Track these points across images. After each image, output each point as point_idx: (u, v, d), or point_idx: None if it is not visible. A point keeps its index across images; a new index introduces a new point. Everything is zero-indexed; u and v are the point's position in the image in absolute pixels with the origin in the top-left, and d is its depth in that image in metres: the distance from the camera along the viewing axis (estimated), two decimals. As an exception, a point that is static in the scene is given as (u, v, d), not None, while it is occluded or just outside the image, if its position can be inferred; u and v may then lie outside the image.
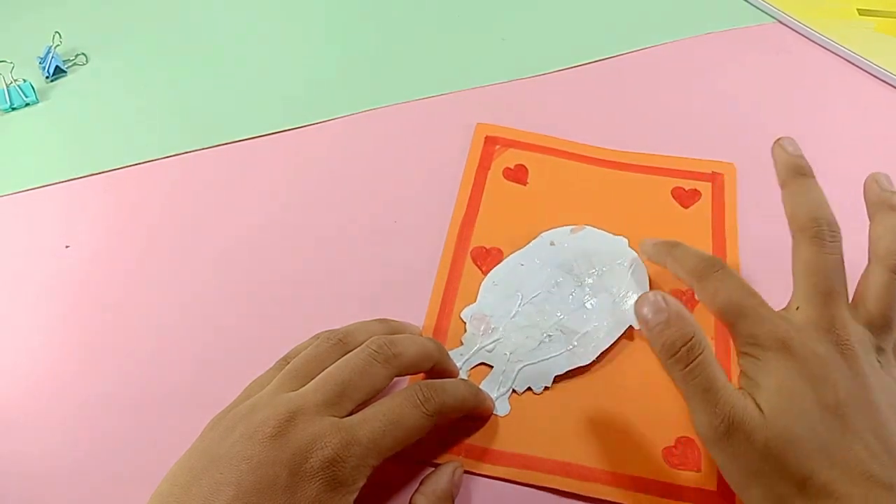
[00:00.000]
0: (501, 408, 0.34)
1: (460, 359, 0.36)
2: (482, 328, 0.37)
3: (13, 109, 0.47)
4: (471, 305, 0.38)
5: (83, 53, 0.51)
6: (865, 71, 0.50)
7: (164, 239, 0.41)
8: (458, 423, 0.33)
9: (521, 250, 0.40)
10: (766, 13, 0.54)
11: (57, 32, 0.51)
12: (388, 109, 0.48)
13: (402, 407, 0.29)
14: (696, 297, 0.32)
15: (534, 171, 0.43)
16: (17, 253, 0.41)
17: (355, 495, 0.27)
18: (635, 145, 0.45)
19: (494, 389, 0.35)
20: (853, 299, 0.30)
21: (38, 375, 0.36)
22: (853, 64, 0.50)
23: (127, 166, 0.44)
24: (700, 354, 0.28)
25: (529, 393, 0.35)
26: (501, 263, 0.39)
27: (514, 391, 0.35)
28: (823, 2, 0.54)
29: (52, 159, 0.45)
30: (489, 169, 0.43)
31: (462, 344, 0.36)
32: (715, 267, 0.31)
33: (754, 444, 0.26)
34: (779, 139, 0.33)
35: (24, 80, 0.48)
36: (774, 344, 0.28)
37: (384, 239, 0.41)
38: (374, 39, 0.53)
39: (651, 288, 0.38)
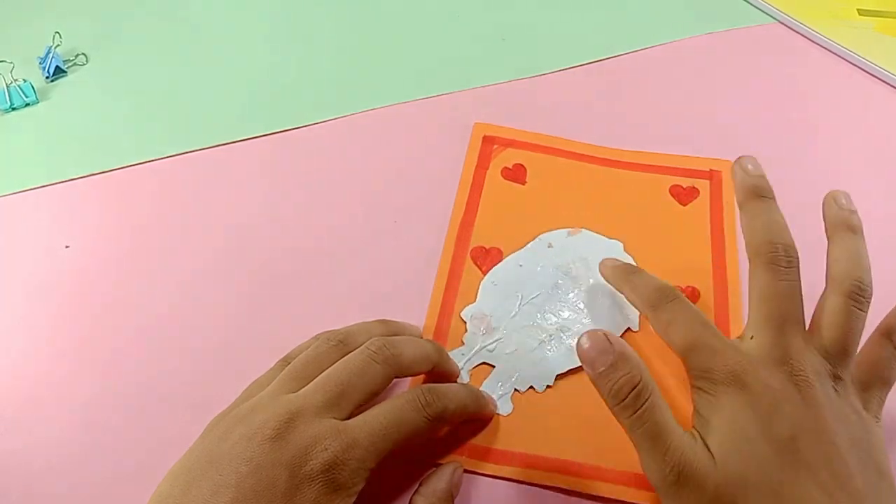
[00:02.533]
0: (504, 407, 0.34)
1: (462, 358, 0.36)
2: (483, 328, 0.37)
3: (13, 109, 0.47)
4: (471, 305, 0.38)
5: (83, 53, 0.51)
6: (865, 71, 0.50)
7: (163, 239, 0.41)
8: (461, 423, 0.33)
9: (520, 251, 0.40)
10: (767, 13, 0.54)
11: (57, 32, 0.51)
12: (388, 109, 0.48)
13: (402, 410, 0.29)
14: (651, 326, 0.32)
15: (532, 170, 0.43)
16: (17, 253, 0.41)
17: (354, 498, 0.27)
18: (634, 145, 0.45)
19: (497, 388, 0.35)
20: (810, 325, 0.29)
21: (38, 375, 0.36)
22: (853, 64, 0.50)
23: (127, 166, 0.44)
24: (647, 399, 0.27)
25: (532, 391, 0.35)
26: (500, 264, 0.39)
27: (516, 390, 0.35)
28: (823, 2, 0.54)
29: (52, 159, 0.45)
30: (488, 168, 0.43)
31: (463, 344, 0.36)
32: (669, 297, 0.31)
33: (705, 492, 0.25)
34: (739, 158, 0.32)
35: (24, 80, 0.48)
36: (726, 378, 0.27)
37: (384, 239, 0.41)
38: (373, 39, 0.53)
39: None
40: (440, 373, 0.33)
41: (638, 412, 0.27)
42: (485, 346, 0.36)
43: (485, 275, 0.39)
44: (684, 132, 0.46)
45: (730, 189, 0.42)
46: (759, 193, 0.31)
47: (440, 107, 0.48)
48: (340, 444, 0.27)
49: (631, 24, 0.53)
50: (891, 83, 0.49)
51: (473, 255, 0.40)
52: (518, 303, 0.38)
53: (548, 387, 0.35)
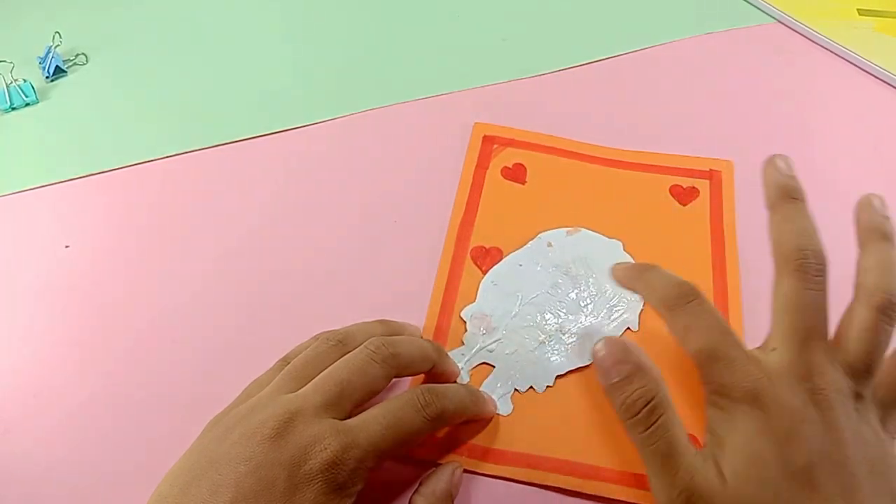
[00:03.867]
0: (504, 407, 0.34)
1: (462, 359, 0.36)
2: (483, 328, 0.37)
3: (13, 109, 0.48)
4: (471, 305, 0.38)
5: (83, 53, 0.51)
6: (865, 71, 0.50)
7: (163, 239, 0.41)
8: (461, 423, 0.33)
9: (520, 251, 0.40)
10: (767, 13, 0.54)
11: (57, 32, 0.51)
12: (388, 109, 0.48)
13: (402, 410, 0.29)
14: (667, 327, 0.30)
15: (532, 169, 0.43)
16: (17, 253, 0.41)
17: (354, 498, 0.27)
18: (634, 145, 0.45)
19: (497, 389, 0.35)
20: (835, 337, 0.28)
21: (38, 375, 0.36)
22: (853, 64, 0.50)
23: (127, 166, 0.44)
24: (661, 416, 0.26)
25: (532, 391, 0.35)
26: (500, 263, 0.39)
27: (516, 390, 0.35)
28: (823, 2, 0.54)
29: (52, 159, 0.45)
30: (487, 168, 0.43)
31: (463, 344, 0.36)
32: (688, 297, 0.29)
33: None
34: (772, 156, 0.30)
35: (24, 80, 0.48)
36: (744, 396, 0.26)
37: (384, 239, 0.41)
38: (373, 39, 0.53)
39: None
40: (440, 373, 0.33)
41: (650, 429, 0.26)
42: (485, 347, 0.36)
43: (485, 274, 0.39)
44: (684, 132, 0.46)
45: (730, 189, 0.42)
46: (790, 195, 0.29)
47: (440, 107, 0.48)
48: (340, 444, 0.27)
49: (631, 24, 0.53)
50: (891, 83, 0.49)
51: (473, 254, 0.40)
52: (518, 302, 0.38)
53: (548, 387, 0.35)
